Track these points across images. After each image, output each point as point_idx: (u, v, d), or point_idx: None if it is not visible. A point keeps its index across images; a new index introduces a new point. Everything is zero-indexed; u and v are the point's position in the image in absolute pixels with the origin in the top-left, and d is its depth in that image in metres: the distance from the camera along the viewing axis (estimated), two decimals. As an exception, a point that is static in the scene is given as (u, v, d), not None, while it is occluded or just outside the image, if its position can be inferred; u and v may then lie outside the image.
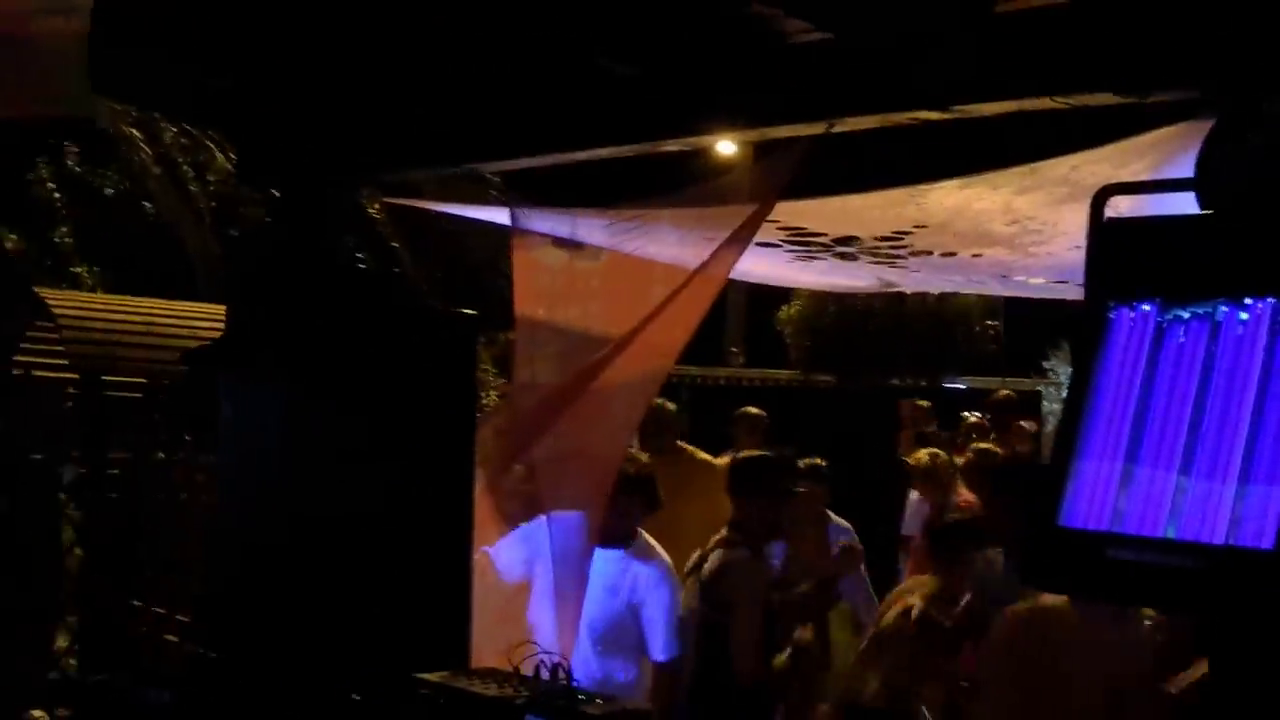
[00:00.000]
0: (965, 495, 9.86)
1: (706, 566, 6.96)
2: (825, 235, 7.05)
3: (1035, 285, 7.50)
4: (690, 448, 10.46)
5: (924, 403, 14.76)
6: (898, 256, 7.62)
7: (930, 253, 7.54)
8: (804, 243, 6.65)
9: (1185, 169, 3.80)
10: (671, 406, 10.93)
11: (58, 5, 3.93)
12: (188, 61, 5.96)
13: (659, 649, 6.69)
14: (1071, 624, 5.94)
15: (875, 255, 7.27)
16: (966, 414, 13.71)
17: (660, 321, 6.61)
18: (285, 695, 4.15)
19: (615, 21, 5.33)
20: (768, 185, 6.25)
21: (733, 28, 5.10)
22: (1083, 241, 4.17)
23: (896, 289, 8.74)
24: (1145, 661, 6.16)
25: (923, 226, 7.05)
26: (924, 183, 6.29)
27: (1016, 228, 6.80)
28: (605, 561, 6.78)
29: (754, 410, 12.10)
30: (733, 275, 6.77)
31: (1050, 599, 6.19)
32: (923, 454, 11.65)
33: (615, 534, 6.85)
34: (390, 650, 4.61)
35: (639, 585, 6.79)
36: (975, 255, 7.44)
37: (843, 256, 7.08)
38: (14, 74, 4.78)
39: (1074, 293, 6.71)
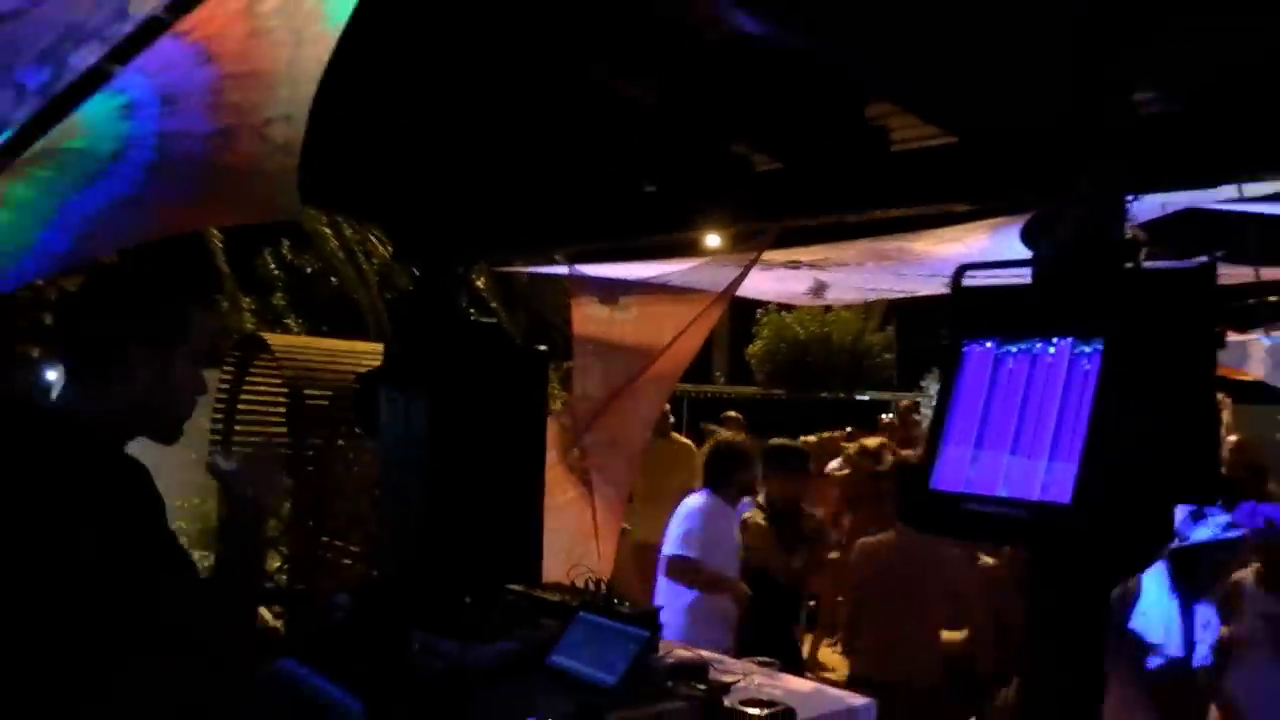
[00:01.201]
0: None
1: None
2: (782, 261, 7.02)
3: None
4: (678, 435, 10.48)
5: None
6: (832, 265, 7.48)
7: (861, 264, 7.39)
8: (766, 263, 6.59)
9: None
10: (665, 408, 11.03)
11: (277, 115, 3.90)
12: (365, 181, 6.00)
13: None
14: (917, 549, 5.88)
15: (814, 265, 7.17)
16: (882, 415, 13.62)
17: (669, 354, 6.66)
18: (422, 598, 4.14)
19: (640, 158, 5.36)
20: (736, 273, 6.33)
21: (719, 161, 5.11)
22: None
23: (827, 293, 8.50)
24: (973, 576, 6.10)
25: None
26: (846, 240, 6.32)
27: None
28: None
29: (734, 413, 12.09)
30: (711, 287, 6.69)
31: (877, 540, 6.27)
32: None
33: None
34: (491, 571, 4.60)
35: None
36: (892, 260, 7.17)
37: (791, 266, 6.99)
38: (247, 190, 4.78)
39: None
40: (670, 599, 6.18)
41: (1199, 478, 3.25)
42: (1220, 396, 14.41)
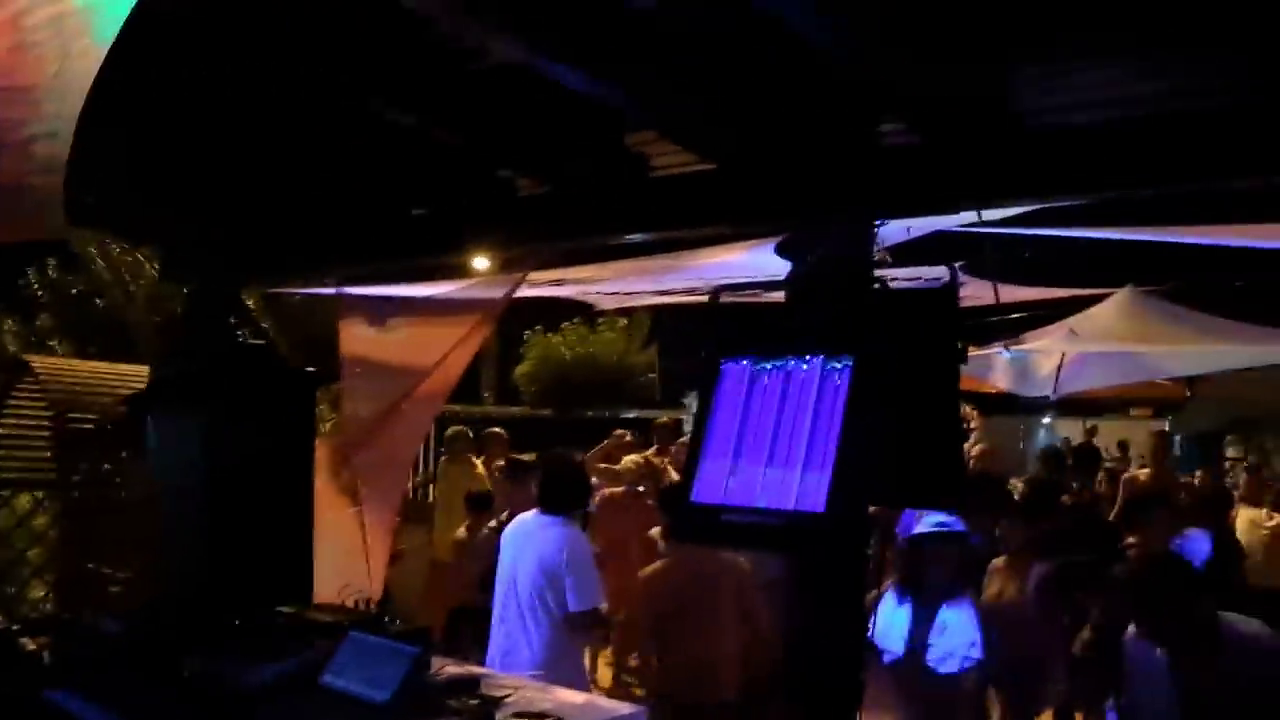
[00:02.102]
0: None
1: None
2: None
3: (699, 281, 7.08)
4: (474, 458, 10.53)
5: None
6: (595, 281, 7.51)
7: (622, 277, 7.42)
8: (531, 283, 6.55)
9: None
10: (465, 430, 10.99)
11: (41, 131, 3.76)
12: (130, 202, 5.83)
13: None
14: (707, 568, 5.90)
15: (578, 282, 7.20)
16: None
17: (438, 373, 6.63)
18: (195, 621, 4.04)
19: (410, 183, 5.36)
20: (502, 292, 6.34)
21: (487, 185, 5.15)
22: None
23: (594, 295, 8.50)
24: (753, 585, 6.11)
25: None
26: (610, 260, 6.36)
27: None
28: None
29: (499, 430, 11.99)
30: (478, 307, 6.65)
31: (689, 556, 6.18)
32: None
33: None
34: (263, 592, 4.51)
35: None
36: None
37: (554, 284, 7.01)
38: (10, 207, 4.59)
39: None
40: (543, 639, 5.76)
41: (943, 485, 3.42)
42: (968, 409, 15.14)
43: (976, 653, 5.24)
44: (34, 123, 3.79)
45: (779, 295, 3.78)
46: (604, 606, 5.79)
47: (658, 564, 6.19)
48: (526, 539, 5.84)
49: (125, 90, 3.50)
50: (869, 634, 5.29)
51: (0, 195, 4.46)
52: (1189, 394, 18.22)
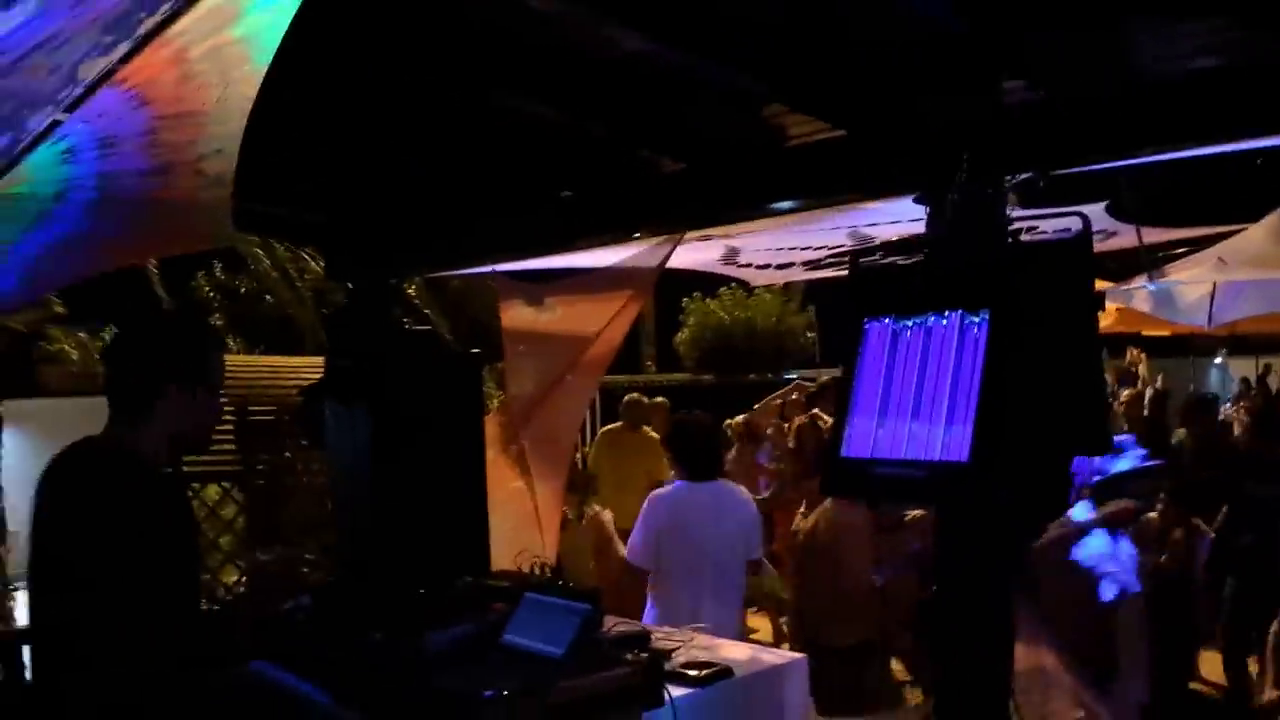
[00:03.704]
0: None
1: None
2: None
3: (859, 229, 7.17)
4: (647, 428, 10.71)
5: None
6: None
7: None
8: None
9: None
10: (645, 399, 11.23)
11: (209, 150, 4.05)
12: (295, 205, 6.11)
13: None
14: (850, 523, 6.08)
15: (725, 236, 7.27)
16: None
17: (597, 346, 6.83)
18: (380, 593, 4.29)
19: (556, 169, 5.53)
20: (652, 266, 6.47)
21: (629, 165, 5.29)
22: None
23: (739, 257, 8.56)
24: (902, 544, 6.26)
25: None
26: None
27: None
28: None
29: (661, 399, 12.14)
30: (630, 278, 6.75)
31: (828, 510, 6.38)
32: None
33: None
34: (443, 564, 4.73)
35: None
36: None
37: (703, 239, 7.08)
38: (185, 222, 4.89)
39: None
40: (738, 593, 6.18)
41: (1088, 432, 3.47)
42: (1134, 352, 14.84)
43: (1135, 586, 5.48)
44: (201, 143, 4.08)
45: (917, 255, 3.83)
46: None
47: (802, 521, 6.45)
48: (719, 504, 6.08)
49: (281, 103, 3.72)
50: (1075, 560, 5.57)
51: (174, 211, 4.79)
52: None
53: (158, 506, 3.15)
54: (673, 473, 6.78)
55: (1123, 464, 5.82)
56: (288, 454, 7.32)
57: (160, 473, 3.30)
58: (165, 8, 2.08)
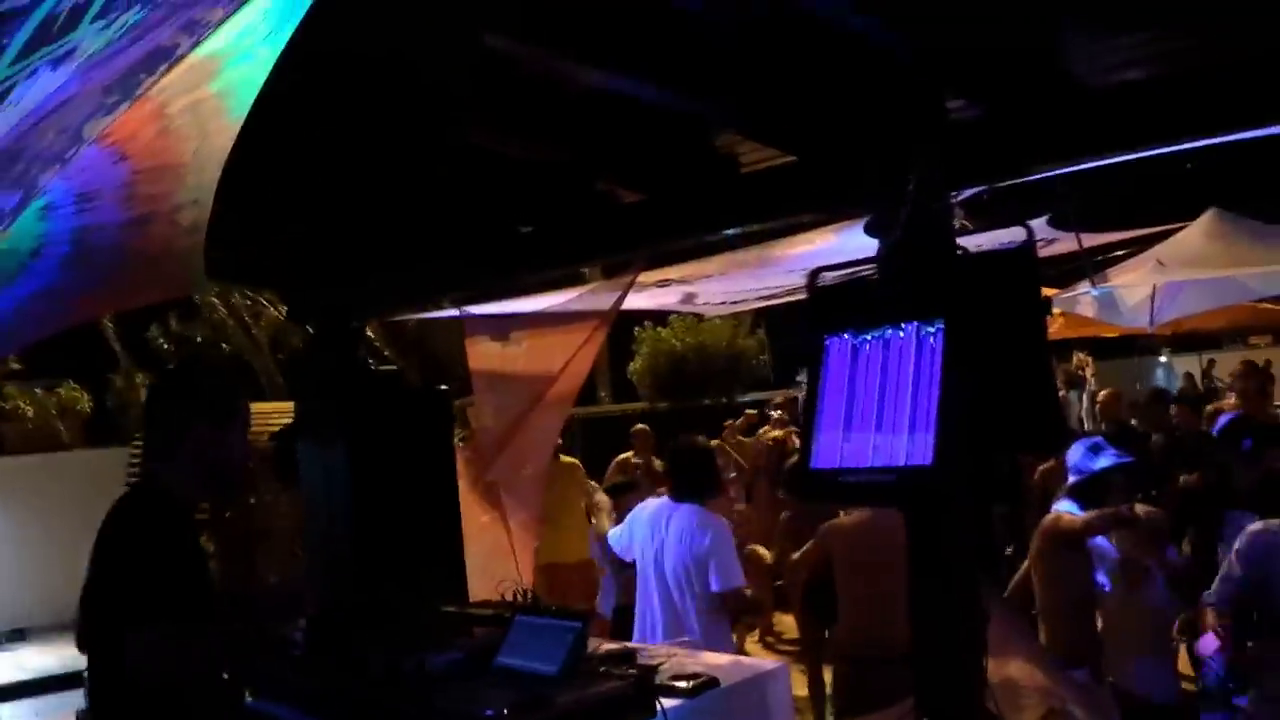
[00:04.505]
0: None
1: None
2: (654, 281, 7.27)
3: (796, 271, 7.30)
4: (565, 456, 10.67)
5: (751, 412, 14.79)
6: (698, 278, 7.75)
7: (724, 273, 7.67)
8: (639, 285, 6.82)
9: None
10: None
11: (186, 200, 4.16)
12: (253, 251, 6.18)
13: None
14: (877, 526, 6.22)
15: (682, 280, 7.44)
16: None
17: (563, 379, 6.95)
18: (370, 623, 4.38)
19: (513, 204, 5.64)
20: (614, 297, 6.61)
21: (587, 198, 5.41)
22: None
23: (697, 299, 8.73)
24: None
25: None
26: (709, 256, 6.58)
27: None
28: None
29: (645, 427, 12.22)
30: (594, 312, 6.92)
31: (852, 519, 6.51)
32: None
33: None
34: (423, 595, 4.83)
35: None
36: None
37: (661, 285, 7.24)
38: (160, 271, 4.97)
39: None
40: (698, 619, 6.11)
41: (1041, 430, 3.64)
42: (1080, 356, 15.11)
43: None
44: (179, 194, 4.17)
45: (872, 270, 3.99)
46: (747, 589, 6.18)
47: (837, 521, 6.60)
48: (668, 525, 6.23)
49: (242, 151, 3.84)
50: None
51: (149, 261, 4.87)
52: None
53: (181, 540, 3.44)
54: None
55: (1102, 462, 6.13)
56: (252, 500, 7.41)
57: (185, 509, 3.57)
58: (162, 68, 2.19)
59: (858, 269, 4.06)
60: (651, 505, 6.51)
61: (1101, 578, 6.31)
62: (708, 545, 6.01)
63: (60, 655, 6.90)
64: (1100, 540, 6.16)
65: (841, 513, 6.57)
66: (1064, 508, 6.24)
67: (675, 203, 4.98)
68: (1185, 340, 20.53)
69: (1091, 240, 9.16)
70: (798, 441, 9.46)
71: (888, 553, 6.05)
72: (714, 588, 5.95)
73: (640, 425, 12.18)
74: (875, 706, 5.51)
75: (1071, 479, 6.33)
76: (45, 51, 1.69)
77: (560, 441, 9.38)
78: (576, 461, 10.56)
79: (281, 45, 3.13)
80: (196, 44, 2.36)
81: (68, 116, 2.16)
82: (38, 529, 12.84)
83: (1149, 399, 11.44)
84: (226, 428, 3.64)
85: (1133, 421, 11.17)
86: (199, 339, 16.38)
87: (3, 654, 9.56)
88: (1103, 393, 12.62)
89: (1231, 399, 11.25)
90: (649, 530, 6.30)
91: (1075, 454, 6.33)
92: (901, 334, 3.64)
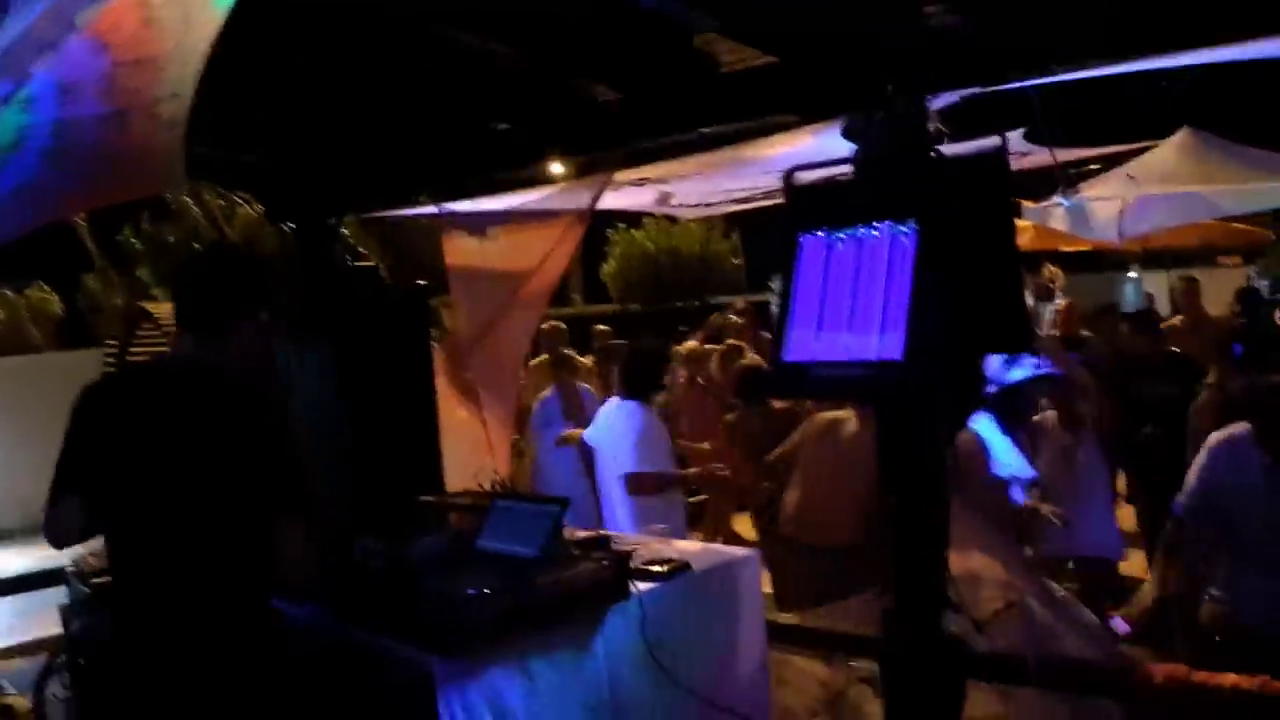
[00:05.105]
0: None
1: None
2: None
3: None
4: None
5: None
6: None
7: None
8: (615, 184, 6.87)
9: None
10: (563, 327, 11.29)
11: (165, 94, 4.17)
12: (228, 148, 6.17)
13: None
14: (852, 426, 6.35)
15: (659, 180, 7.48)
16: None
17: (539, 275, 7.02)
18: (351, 516, 4.47)
19: (492, 101, 5.65)
20: (590, 196, 6.65)
21: (565, 95, 5.43)
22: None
23: (672, 200, 8.79)
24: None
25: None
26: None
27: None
28: None
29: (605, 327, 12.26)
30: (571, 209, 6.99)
31: (833, 414, 6.66)
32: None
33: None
34: (399, 484, 4.92)
35: None
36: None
37: (637, 184, 7.30)
38: (139, 168, 4.97)
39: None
40: (621, 508, 6.52)
41: (1009, 331, 3.73)
42: (1051, 269, 15.26)
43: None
44: (159, 87, 4.19)
45: (847, 170, 4.04)
46: (664, 471, 6.52)
47: (822, 415, 6.78)
48: (612, 417, 6.68)
49: (219, 46, 3.86)
50: (992, 473, 5.95)
51: (129, 157, 4.88)
52: (1276, 236, 17.62)
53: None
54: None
55: (1017, 373, 6.16)
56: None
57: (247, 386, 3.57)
58: (154, -42, 2.23)
59: (834, 170, 4.11)
60: (606, 404, 7.00)
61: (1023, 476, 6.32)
62: (627, 427, 6.54)
63: (37, 556, 6.98)
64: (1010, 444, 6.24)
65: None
66: (981, 422, 6.20)
67: (654, 101, 5.01)
68: (1156, 258, 20.68)
69: (1066, 155, 9.23)
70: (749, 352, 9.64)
71: (855, 448, 6.29)
72: (630, 467, 6.40)
73: (601, 326, 12.22)
74: (818, 596, 5.69)
75: (990, 389, 6.27)
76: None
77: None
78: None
79: (268, -63, 3.16)
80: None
81: (64, 4, 2.21)
82: (11, 433, 12.82)
83: (1097, 312, 11.53)
84: (270, 322, 3.67)
85: (1084, 332, 11.29)
86: (172, 240, 16.22)
87: (-20, 555, 9.60)
88: (1062, 302, 12.73)
89: (1176, 320, 11.46)
90: (600, 428, 6.78)
91: (993, 364, 6.23)
92: (875, 233, 3.68)
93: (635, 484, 6.38)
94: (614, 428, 6.50)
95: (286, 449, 3.46)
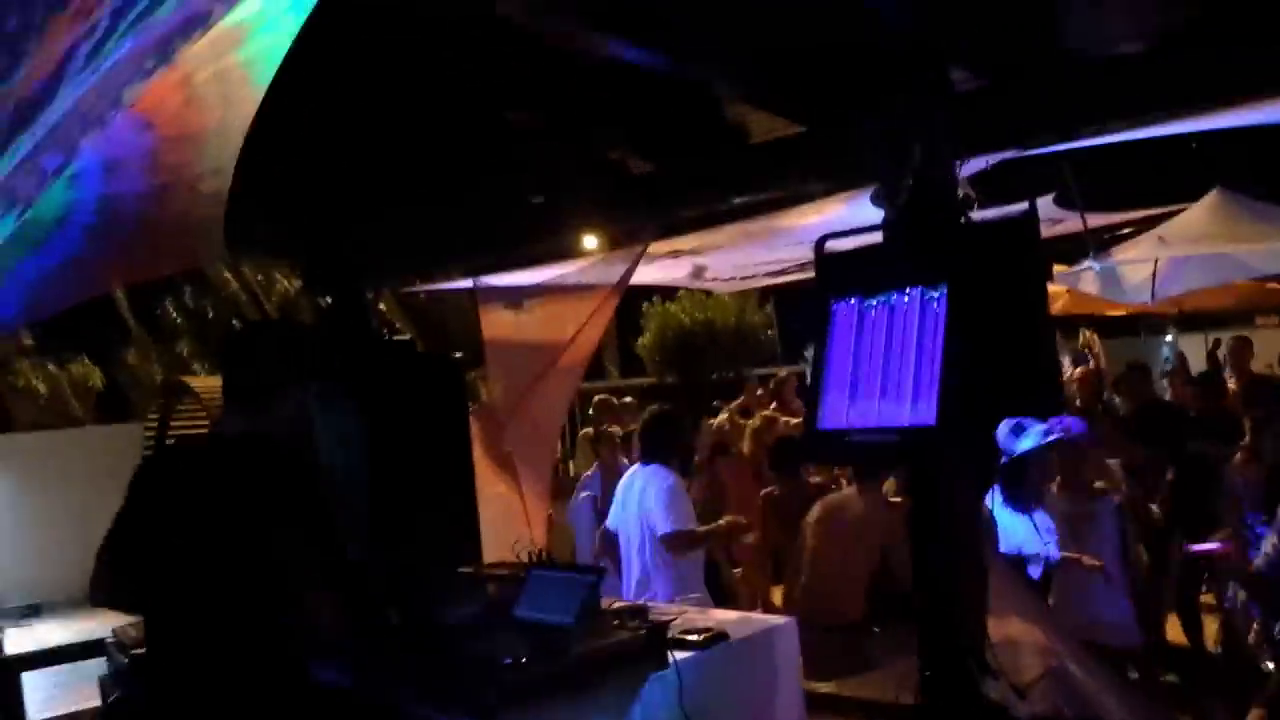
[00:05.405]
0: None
1: None
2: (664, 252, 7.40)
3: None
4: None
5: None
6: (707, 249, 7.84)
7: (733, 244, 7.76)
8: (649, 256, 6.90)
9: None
10: (614, 401, 11.30)
11: (207, 170, 4.23)
12: (267, 221, 6.26)
13: None
14: (858, 508, 6.32)
15: (692, 253, 7.52)
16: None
17: (574, 346, 7.06)
18: (391, 584, 4.48)
19: (526, 175, 5.73)
20: (625, 268, 6.71)
21: (598, 168, 5.50)
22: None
23: (706, 273, 8.83)
24: (901, 529, 6.43)
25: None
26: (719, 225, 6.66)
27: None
28: None
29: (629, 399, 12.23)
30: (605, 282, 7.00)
31: (840, 495, 6.62)
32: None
33: None
34: (437, 553, 4.93)
35: None
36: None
37: (672, 256, 7.34)
38: (180, 241, 5.06)
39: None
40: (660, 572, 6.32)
41: (1040, 395, 3.73)
42: (1088, 334, 15.15)
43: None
44: (199, 163, 4.27)
45: (878, 237, 4.08)
46: (696, 528, 6.27)
47: (832, 496, 6.73)
48: (630, 487, 6.43)
49: (262, 120, 3.93)
50: (1000, 552, 5.80)
51: (170, 230, 4.97)
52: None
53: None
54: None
55: (1025, 443, 5.92)
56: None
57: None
58: (196, 34, 2.29)
59: (865, 237, 4.15)
60: (629, 472, 6.71)
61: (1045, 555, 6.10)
62: (656, 491, 6.26)
63: (76, 629, 6.97)
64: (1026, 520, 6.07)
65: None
66: (991, 503, 5.92)
67: (685, 172, 5.06)
68: (1191, 320, 20.56)
69: (1096, 221, 9.26)
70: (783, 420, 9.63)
71: (860, 529, 6.27)
72: (660, 530, 6.16)
73: (626, 399, 12.18)
74: (834, 672, 5.64)
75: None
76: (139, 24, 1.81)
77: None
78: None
79: (305, 14, 3.23)
80: (229, 9, 2.45)
81: (111, 80, 2.26)
82: (51, 506, 12.90)
83: (1126, 370, 11.36)
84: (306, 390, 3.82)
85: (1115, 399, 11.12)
86: (211, 314, 16.38)
87: (19, 629, 9.61)
88: (1078, 370, 12.61)
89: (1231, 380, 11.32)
90: (623, 494, 6.51)
91: (1000, 433, 5.84)
92: (906, 298, 3.73)
93: (674, 542, 6.27)
94: (642, 494, 6.39)
95: (326, 519, 3.50)
